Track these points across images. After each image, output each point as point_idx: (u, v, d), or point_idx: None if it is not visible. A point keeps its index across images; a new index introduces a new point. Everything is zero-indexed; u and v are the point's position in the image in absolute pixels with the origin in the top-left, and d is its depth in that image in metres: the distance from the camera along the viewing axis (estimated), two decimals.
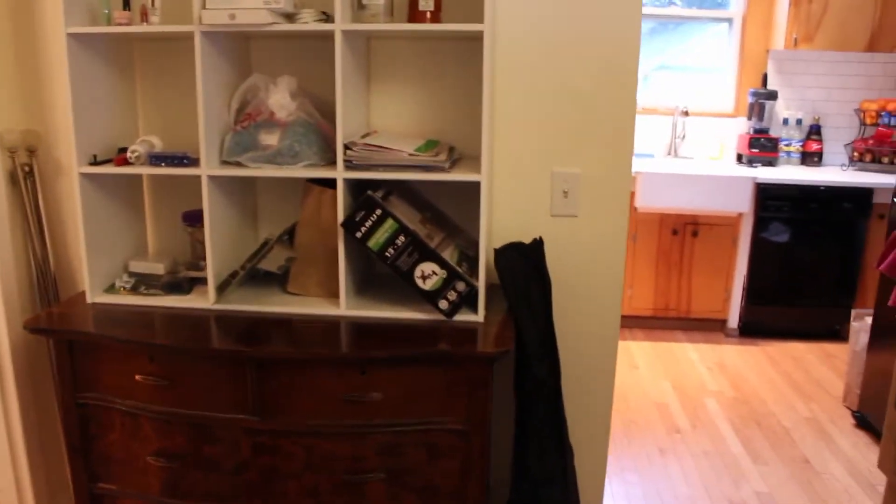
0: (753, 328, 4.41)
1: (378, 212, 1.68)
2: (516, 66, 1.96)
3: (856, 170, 4.44)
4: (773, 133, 4.49)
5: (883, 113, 4.34)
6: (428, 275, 1.71)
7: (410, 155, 1.71)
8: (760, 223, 4.19)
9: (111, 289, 1.93)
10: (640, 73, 1.79)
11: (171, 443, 1.74)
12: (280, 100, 1.75)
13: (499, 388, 2.13)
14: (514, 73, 1.97)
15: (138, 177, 2.08)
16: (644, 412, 3.44)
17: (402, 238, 1.69)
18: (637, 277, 4.33)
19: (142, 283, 1.93)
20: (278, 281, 1.99)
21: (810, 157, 4.54)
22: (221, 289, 1.84)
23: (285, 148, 1.76)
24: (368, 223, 1.69)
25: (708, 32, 4.70)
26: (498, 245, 1.90)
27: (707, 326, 4.48)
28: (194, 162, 1.82)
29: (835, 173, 4.30)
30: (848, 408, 3.50)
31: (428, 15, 1.78)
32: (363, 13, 1.75)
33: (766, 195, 4.14)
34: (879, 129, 4.35)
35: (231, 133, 1.83)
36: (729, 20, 4.61)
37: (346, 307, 1.81)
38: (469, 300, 1.75)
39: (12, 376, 2.05)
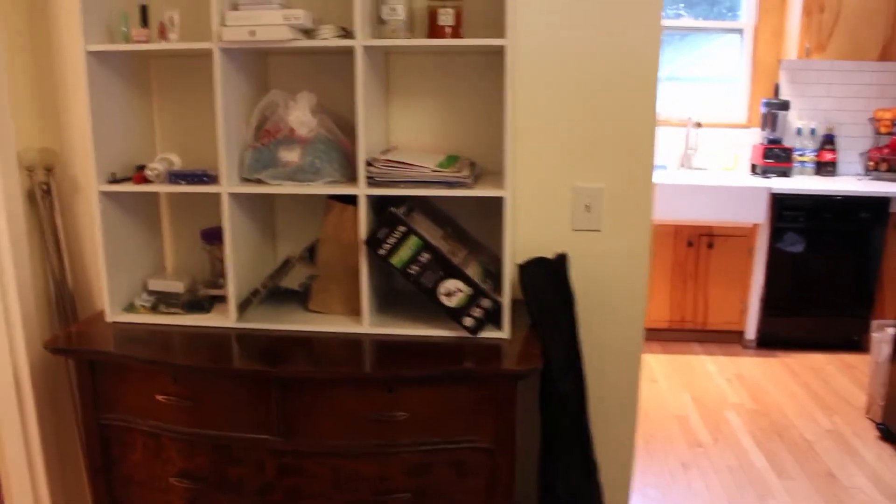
0: (771, 339, 4.36)
1: (402, 228, 1.66)
2: (536, 80, 1.95)
3: (871, 179, 4.40)
4: (786, 143, 4.46)
5: None
6: (452, 292, 1.69)
7: (433, 171, 1.69)
8: (776, 234, 4.15)
9: (130, 308, 1.92)
10: None
11: (194, 464, 1.72)
12: (300, 116, 1.74)
13: (522, 405, 2.10)
14: (534, 87, 1.95)
15: (156, 195, 2.07)
16: (664, 426, 3.40)
17: (425, 255, 1.67)
18: (653, 289, 4.29)
19: (161, 301, 1.92)
20: (299, 299, 1.97)
21: (825, 167, 4.51)
22: (243, 307, 1.82)
23: (306, 165, 1.74)
24: (392, 240, 1.67)
25: (717, 43, 4.68)
26: (520, 261, 1.87)
27: (724, 338, 4.44)
28: (214, 179, 1.81)
29: (850, 183, 4.27)
30: (871, 420, 3.44)
31: (448, 30, 1.77)
32: (383, 28, 1.74)
33: (782, 205, 4.10)
34: (894, 137, 4.32)
35: (250, 150, 1.82)
36: (740, 31, 4.59)
37: (370, 325, 1.79)
38: (493, 317, 1.73)
39: (32, 397, 2.03)
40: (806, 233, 4.15)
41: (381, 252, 1.69)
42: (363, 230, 1.72)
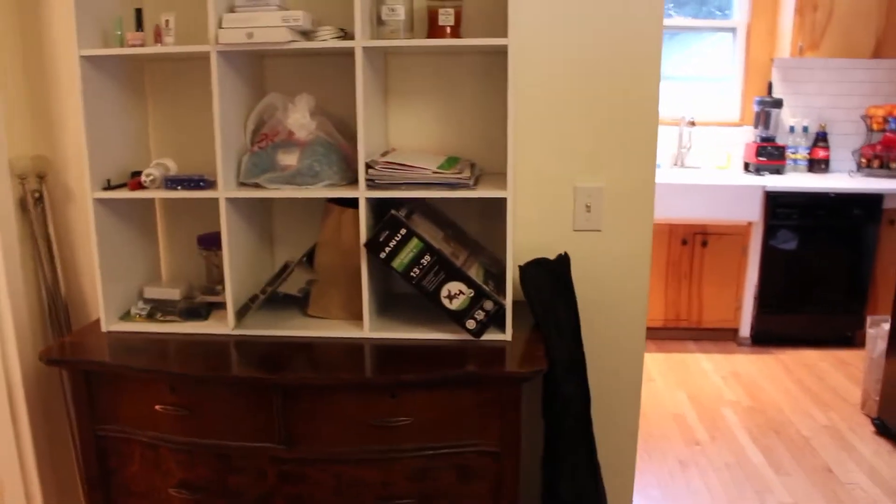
0: (765, 337, 4.37)
1: (403, 231, 1.64)
2: (536, 80, 1.93)
3: (864, 176, 4.42)
4: (779, 141, 4.47)
5: (890, 119, 4.32)
6: (454, 294, 1.67)
7: (434, 172, 1.67)
8: (770, 231, 4.16)
9: (126, 316, 1.89)
10: None
11: (194, 474, 1.69)
12: (299, 119, 1.71)
13: (525, 407, 2.08)
14: (535, 87, 1.93)
15: (151, 201, 2.04)
16: (662, 425, 3.39)
17: (427, 257, 1.65)
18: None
19: (158, 309, 1.89)
20: (298, 304, 1.95)
21: (818, 165, 4.52)
22: (241, 314, 1.79)
23: (305, 168, 1.72)
24: (393, 243, 1.65)
25: (709, 42, 4.68)
26: (520, 262, 1.86)
27: (719, 336, 4.44)
28: (211, 184, 1.78)
29: (843, 180, 4.28)
30: (867, 415, 3.45)
31: (448, 30, 1.75)
32: (383, 29, 1.72)
33: (776, 203, 4.11)
34: (887, 134, 4.33)
35: (248, 154, 1.80)
36: (733, 29, 4.60)
37: (370, 329, 1.77)
38: (496, 319, 1.71)
39: (25, 409, 2.00)
40: (799, 230, 4.16)
41: (382, 255, 1.67)
42: (364, 233, 1.70)
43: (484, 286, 1.67)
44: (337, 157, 1.76)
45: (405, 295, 2.04)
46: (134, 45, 1.73)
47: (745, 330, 4.34)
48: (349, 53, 1.83)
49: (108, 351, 1.72)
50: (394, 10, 1.71)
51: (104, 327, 1.83)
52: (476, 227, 2.01)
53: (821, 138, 4.53)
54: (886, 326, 3.25)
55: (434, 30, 1.76)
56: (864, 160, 4.45)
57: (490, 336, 1.74)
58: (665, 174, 4.39)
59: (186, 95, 2.01)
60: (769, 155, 4.38)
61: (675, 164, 4.61)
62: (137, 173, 1.83)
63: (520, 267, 1.82)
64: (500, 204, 1.96)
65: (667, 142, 4.61)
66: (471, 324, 1.70)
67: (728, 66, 4.67)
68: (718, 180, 4.16)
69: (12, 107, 1.99)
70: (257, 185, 1.76)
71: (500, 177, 1.89)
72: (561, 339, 1.78)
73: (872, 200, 4.09)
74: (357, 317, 1.83)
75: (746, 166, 4.55)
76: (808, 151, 4.54)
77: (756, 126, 4.49)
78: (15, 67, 2.00)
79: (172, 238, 2.10)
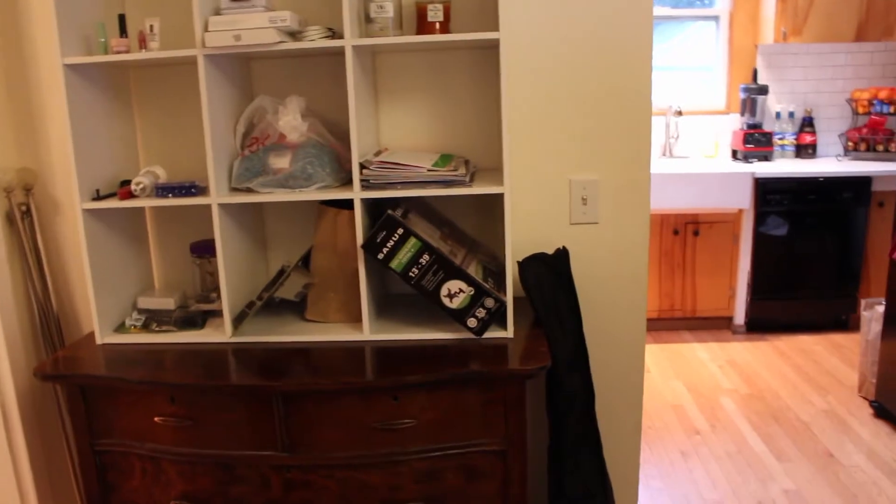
0: (760, 323, 4.38)
1: (400, 231, 1.62)
2: (527, 74, 1.91)
3: (851, 159, 4.43)
4: (766, 127, 4.48)
5: (875, 101, 4.34)
6: (455, 293, 1.65)
7: (429, 171, 1.65)
8: (761, 218, 4.17)
9: (121, 328, 1.86)
10: None
11: (196, 486, 1.66)
12: (291, 121, 1.69)
13: (528, 404, 2.07)
14: (526, 81, 1.92)
15: (141, 210, 2.01)
16: (661, 415, 3.39)
17: (426, 257, 1.63)
18: None
19: (152, 319, 1.86)
20: (295, 309, 1.92)
21: (805, 150, 4.53)
22: (238, 321, 1.76)
23: (298, 170, 1.69)
24: (390, 244, 1.63)
25: (691, 30, 4.68)
26: (518, 257, 1.84)
27: (713, 324, 4.45)
28: (203, 191, 1.76)
29: (831, 164, 4.29)
30: (864, 398, 3.46)
31: (437, 26, 1.73)
32: (371, 27, 1.70)
33: (766, 190, 4.12)
34: (872, 117, 4.35)
35: (239, 158, 1.77)
36: (716, 17, 4.60)
37: (370, 331, 1.74)
38: (497, 316, 1.69)
39: (20, 426, 1.96)
40: (790, 216, 4.17)
41: (380, 256, 1.64)
42: (360, 235, 1.68)
43: (484, 284, 1.65)
44: (329, 159, 1.74)
45: (402, 295, 2.02)
46: (119, 52, 1.69)
47: (739, 317, 4.34)
48: (338, 53, 1.81)
49: (103, 364, 1.69)
50: (382, 7, 1.68)
51: (99, 340, 1.80)
52: (472, 224, 2.00)
53: (807, 123, 4.54)
54: (881, 309, 3.26)
55: (423, 26, 1.74)
56: (850, 144, 4.47)
57: (491, 334, 1.72)
58: (654, 165, 4.38)
59: (173, 101, 1.98)
60: (757, 142, 4.38)
61: (664, 155, 4.60)
62: (127, 182, 1.80)
63: (518, 263, 1.80)
64: (496, 200, 1.95)
65: (654, 132, 4.61)
66: (472, 322, 1.68)
67: (712, 55, 4.67)
68: (707, 169, 4.16)
69: None
70: (249, 190, 1.74)
71: (494, 172, 1.88)
72: (563, 335, 1.76)
73: (861, 183, 4.10)
74: (356, 319, 1.81)
75: (734, 154, 4.55)
76: (794, 137, 4.55)
77: (742, 113, 4.50)
78: None
79: (164, 246, 2.07)
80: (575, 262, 2.01)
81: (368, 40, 1.63)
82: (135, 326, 1.84)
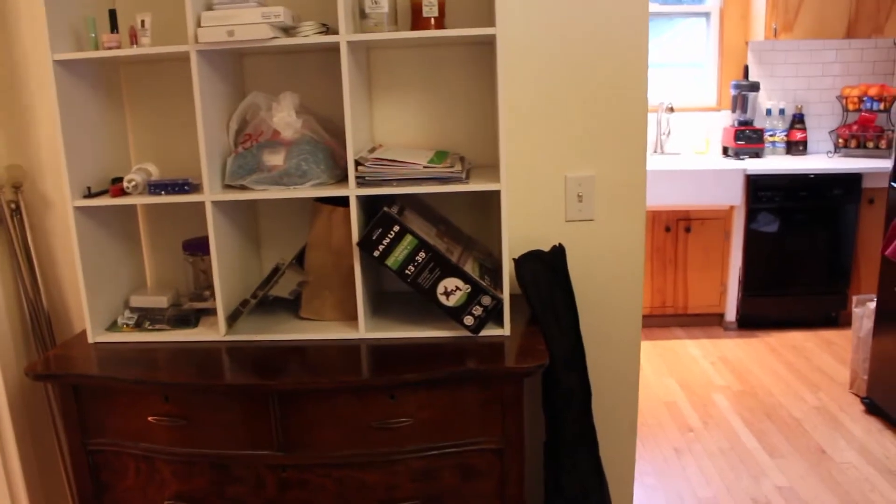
0: (751, 320, 4.39)
1: (396, 228, 1.61)
2: (522, 70, 1.90)
3: (841, 156, 4.45)
4: (757, 124, 4.49)
5: (865, 98, 4.36)
6: (451, 291, 1.64)
7: (425, 167, 1.64)
8: (752, 215, 4.18)
9: (113, 326, 1.84)
10: None
11: (191, 485, 1.65)
12: (285, 118, 1.67)
13: (525, 402, 2.06)
14: (521, 77, 1.91)
15: (133, 207, 1.99)
16: (654, 412, 3.39)
17: (422, 254, 1.62)
18: None
19: (145, 318, 1.84)
20: (290, 307, 1.91)
21: (795, 146, 4.55)
22: (232, 319, 1.75)
23: (292, 168, 1.68)
24: (386, 241, 1.62)
25: (681, 27, 4.69)
26: (514, 255, 1.83)
27: (705, 321, 4.46)
28: (196, 188, 1.74)
29: (822, 161, 4.31)
30: (855, 394, 3.48)
31: (432, 21, 1.71)
32: (366, 22, 1.68)
33: (757, 186, 4.13)
34: (862, 114, 4.37)
35: (233, 155, 1.75)
36: (706, 14, 4.60)
37: (366, 330, 1.73)
38: (494, 314, 1.68)
39: (10, 426, 1.94)
40: (781, 212, 4.18)
41: (376, 254, 1.63)
42: (356, 232, 1.66)
43: (481, 281, 1.64)
44: (324, 156, 1.72)
45: (397, 293, 2.01)
46: (110, 48, 1.67)
47: (730, 314, 4.35)
48: (331, 49, 1.80)
49: (96, 363, 1.67)
50: (377, 2, 1.67)
51: (91, 339, 1.78)
52: (467, 221, 1.99)
53: (797, 120, 4.55)
54: (872, 305, 3.27)
55: (418, 22, 1.73)
56: (841, 140, 4.49)
57: (488, 332, 1.71)
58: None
59: (165, 97, 1.96)
60: (748, 138, 4.40)
61: (655, 151, 4.61)
62: (118, 179, 1.78)
63: (514, 260, 1.80)
64: (491, 197, 1.94)
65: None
66: (469, 320, 1.67)
67: (703, 51, 4.68)
68: (699, 165, 4.16)
69: None
70: (243, 187, 1.72)
71: (489, 169, 1.87)
72: (560, 332, 1.76)
73: (851, 180, 4.12)
74: (351, 317, 1.80)
75: (725, 150, 4.56)
76: (785, 134, 4.56)
77: (733, 110, 4.51)
78: None
79: (156, 244, 2.05)
80: (570, 259, 2.00)
81: (363, 36, 1.62)
82: (127, 325, 1.82)
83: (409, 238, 1.61)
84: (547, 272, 1.78)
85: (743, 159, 4.37)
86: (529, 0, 1.86)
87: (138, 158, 1.99)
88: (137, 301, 1.87)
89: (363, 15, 1.68)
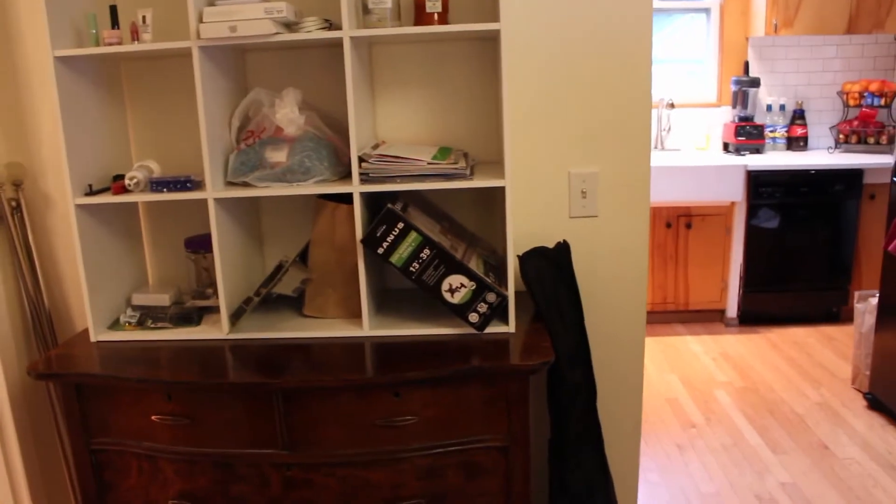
0: (752, 316, 4.39)
1: (400, 225, 1.60)
2: (526, 65, 1.89)
3: (842, 152, 4.45)
4: (757, 120, 4.48)
5: (866, 94, 4.35)
6: (456, 288, 1.63)
7: (429, 164, 1.63)
8: (753, 211, 4.17)
9: (115, 325, 1.82)
10: None
11: (195, 485, 1.64)
12: (288, 114, 1.66)
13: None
14: (524, 72, 1.90)
15: (134, 205, 1.98)
16: (656, 409, 3.39)
17: (426, 251, 1.61)
18: None
19: (147, 316, 1.83)
20: (293, 304, 1.90)
21: (796, 142, 4.54)
22: (236, 317, 1.74)
23: (296, 164, 1.67)
24: (390, 238, 1.61)
25: (681, 22, 4.67)
26: (517, 251, 1.82)
27: (706, 317, 4.45)
28: (198, 185, 1.72)
29: (823, 156, 4.30)
30: (858, 390, 3.48)
31: (436, 17, 1.70)
32: (369, 18, 1.67)
33: (758, 182, 4.12)
34: (863, 109, 4.36)
35: (235, 152, 1.74)
36: (706, 10, 4.59)
37: (370, 327, 1.72)
38: (498, 311, 1.67)
39: (12, 425, 1.93)
40: (782, 208, 4.17)
41: (380, 251, 1.62)
42: (359, 229, 1.65)
43: (486, 278, 1.63)
44: (327, 152, 1.71)
45: (400, 290, 2.00)
46: (111, 44, 1.66)
47: (731, 310, 4.35)
48: (333, 45, 1.79)
49: (98, 362, 1.65)
50: None
51: (93, 337, 1.77)
52: (470, 217, 1.97)
53: (798, 116, 4.54)
54: (874, 301, 3.26)
55: (421, 17, 1.72)
56: (841, 136, 4.48)
57: (492, 329, 1.70)
58: None
59: (166, 94, 1.94)
60: (748, 134, 4.39)
61: (656, 147, 4.60)
62: (120, 177, 1.77)
63: (519, 257, 1.79)
64: (495, 193, 1.93)
65: None
66: (473, 317, 1.66)
67: (703, 47, 4.67)
68: (700, 162, 4.16)
69: None
70: (246, 184, 1.71)
71: (493, 165, 1.86)
72: (565, 329, 1.75)
73: (852, 176, 4.11)
74: (355, 315, 1.79)
75: (726, 146, 4.55)
76: (786, 130, 4.56)
77: (734, 106, 4.50)
78: None
79: (157, 242, 2.04)
80: (574, 255, 1.99)
81: (367, 31, 1.60)
82: (129, 323, 1.81)
83: (413, 235, 1.60)
84: (551, 269, 1.77)
85: (744, 155, 4.36)
86: None
87: (139, 155, 1.98)
88: (139, 299, 1.86)
89: (366, 10, 1.67)
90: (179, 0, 1.85)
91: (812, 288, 4.30)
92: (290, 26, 1.65)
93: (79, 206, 1.71)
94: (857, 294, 3.46)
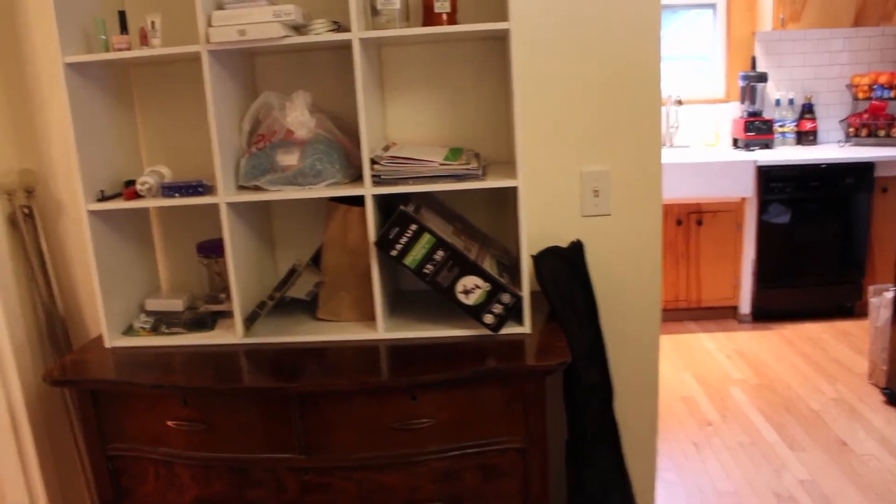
0: (765, 312, 4.36)
1: (413, 227, 1.59)
2: (535, 65, 1.88)
3: (852, 145, 4.41)
4: (766, 115, 4.46)
5: (875, 86, 4.32)
6: (470, 289, 1.62)
7: (441, 164, 1.62)
8: (764, 206, 4.14)
9: (129, 331, 1.82)
10: None
11: (211, 490, 1.63)
12: (298, 117, 1.65)
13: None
14: (534, 72, 1.89)
15: (146, 210, 1.98)
16: (671, 407, 3.37)
17: (440, 253, 1.60)
18: None
19: (161, 321, 1.83)
20: (306, 308, 1.89)
21: (805, 137, 4.51)
22: (250, 321, 1.73)
23: (307, 167, 1.66)
24: (403, 240, 1.60)
25: (687, 18, 4.65)
26: (530, 251, 1.81)
27: (719, 314, 4.43)
28: (210, 189, 1.72)
29: (833, 150, 4.27)
30: (875, 385, 3.44)
31: (444, 17, 1.69)
32: (377, 19, 1.67)
33: (769, 177, 4.09)
34: (873, 102, 4.33)
35: (246, 156, 1.73)
36: (713, 5, 4.57)
37: (384, 330, 1.71)
38: (513, 311, 1.66)
39: (29, 432, 1.93)
40: (793, 203, 4.15)
41: (393, 253, 1.61)
42: (372, 232, 1.65)
43: (500, 279, 1.62)
44: (338, 155, 1.70)
45: (413, 292, 1.99)
46: (120, 49, 1.66)
47: (744, 307, 4.32)
48: (342, 47, 1.78)
49: (113, 368, 1.65)
50: None
51: (107, 343, 1.77)
52: (482, 218, 1.96)
53: (807, 110, 4.52)
54: (889, 295, 3.24)
55: (430, 18, 1.71)
56: (851, 129, 4.45)
57: (507, 329, 1.69)
58: None
59: (175, 99, 1.94)
60: (757, 130, 4.36)
61: (665, 144, 4.58)
62: (131, 182, 1.77)
63: (533, 256, 1.78)
64: (506, 193, 1.92)
65: None
66: (488, 318, 1.65)
67: (710, 43, 4.64)
68: (709, 158, 4.13)
69: None
70: (257, 188, 1.70)
71: (504, 165, 1.85)
72: (580, 328, 1.74)
73: (864, 169, 4.08)
74: (368, 318, 1.78)
75: (735, 142, 4.53)
76: (795, 124, 4.53)
77: (742, 101, 4.47)
78: None
79: (169, 247, 2.03)
80: (588, 254, 1.98)
81: (376, 33, 1.60)
82: (143, 329, 1.81)
83: (426, 236, 1.59)
84: (565, 268, 1.76)
85: (753, 150, 4.33)
86: None
87: (150, 161, 1.98)
88: (153, 304, 1.86)
89: (374, 12, 1.66)
90: (188, 5, 1.85)
91: (825, 283, 4.27)
92: (298, 29, 1.65)
93: (91, 212, 1.71)
94: (871, 288, 3.43)
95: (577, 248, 1.80)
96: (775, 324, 4.34)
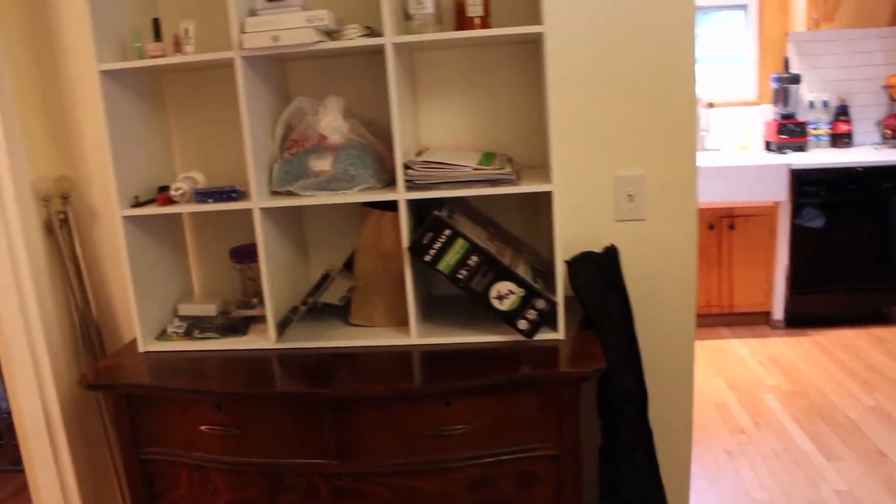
0: (799, 318, 4.28)
1: (447, 232, 1.58)
2: (569, 68, 1.86)
3: (889, 147, 4.32)
4: (800, 117, 4.38)
5: None
6: (504, 294, 1.61)
7: (475, 169, 1.61)
8: (797, 210, 4.07)
9: (163, 335, 1.83)
10: None
11: (244, 495, 1.63)
12: (332, 122, 1.65)
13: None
14: (567, 75, 1.87)
15: (179, 216, 1.99)
16: (703, 414, 3.32)
17: (474, 258, 1.59)
18: None
19: (195, 326, 1.83)
20: (339, 313, 1.89)
21: (840, 139, 4.43)
22: (283, 327, 1.73)
23: (340, 172, 1.66)
24: (437, 245, 1.59)
25: (719, 19, 4.60)
26: (564, 256, 1.79)
27: (751, 320, 4.36)
28: (243, 195, 1.73)
29: (869, 153, 4.19)
30: None
31: (477, 21, 1.68)
32: (410, 24, 1.66)
33: (802, 181, 4.02)
34: None
35: (279, 161, 1.74)
36: (744, 6, 4.51)
37: (417, 335, 1.70)
38: (547, 317, 1.64)
39: (64, 435, 1.95)
40: (827, 207, 4.07)
41: (427, 258, 1.60)
42: (406, 237, 1.64)
43: (534, 285, 1.61)
44: (372, 160, 1.70)
45: (446, 297, 1.98)
46: (155, 57, 1.67)
47: (777, 312, 4.25)
48: (375, 52, 1.78)
49: (147, 372, 1.66)
50: (421, 3, 1.64)
51: (141, 348, 1.78)
52: (515, 223, 1.95)
53: (841, 112, 4.43)
54: None
55: (463, 21, 1.70)
56: (888, 131, 4.36)
57: (541, 336, 1.67)
58: None
59: (208, 105, 1.95)
60: (791, 132, 4.29)
61: (696, 148, 4.52)
62: (165, 188, 1.78)
63: (567, 262, 1.76)
64: (539, 198, 1.90)
65: None
66: (523, 324, 1.63)
67: (742, 44, 4.58)
68: (742, 161, 4.08)
69: (31, 128, 1.94)
70: (290, 193, 1.70)
71: (538, 170, 1.83)
72: (615, 335, 1.71)
73: None
74: (402, 323, 1.77)
75: (768, 145, 4.46)
76: (829, 126, 4.45)
77: (775, 103, 4.41)
78: (31, 87, 1.95)
79: (203, 252, 2.05)
80: (622, 259, 1.96)
81: (409, 37, 1.59)
82: (177, 334, 1.82)
83: (460, 242, 1.58)
84: (600, 274, 1.74)
85: (786, 153, 4.26)
86: None
87: (183, 167, 1.99)
88: (186, 309, 1.87)
89: (407, 16, 1.66)
90: (221, 11, 1.86)
91: (860, 288, 4.18)
92: (331, 34, 1.65)
93: (126, 218, 1.72)
94: None
95: (611, 253, 1.78)
96: (809, 330, 4.26)
